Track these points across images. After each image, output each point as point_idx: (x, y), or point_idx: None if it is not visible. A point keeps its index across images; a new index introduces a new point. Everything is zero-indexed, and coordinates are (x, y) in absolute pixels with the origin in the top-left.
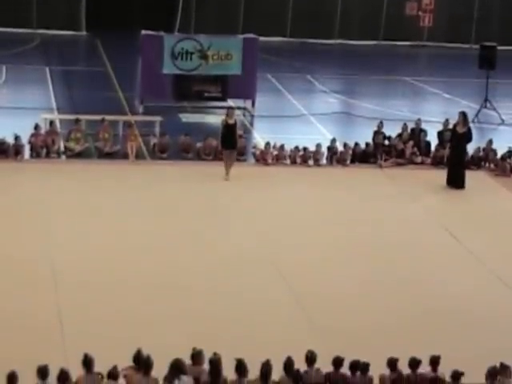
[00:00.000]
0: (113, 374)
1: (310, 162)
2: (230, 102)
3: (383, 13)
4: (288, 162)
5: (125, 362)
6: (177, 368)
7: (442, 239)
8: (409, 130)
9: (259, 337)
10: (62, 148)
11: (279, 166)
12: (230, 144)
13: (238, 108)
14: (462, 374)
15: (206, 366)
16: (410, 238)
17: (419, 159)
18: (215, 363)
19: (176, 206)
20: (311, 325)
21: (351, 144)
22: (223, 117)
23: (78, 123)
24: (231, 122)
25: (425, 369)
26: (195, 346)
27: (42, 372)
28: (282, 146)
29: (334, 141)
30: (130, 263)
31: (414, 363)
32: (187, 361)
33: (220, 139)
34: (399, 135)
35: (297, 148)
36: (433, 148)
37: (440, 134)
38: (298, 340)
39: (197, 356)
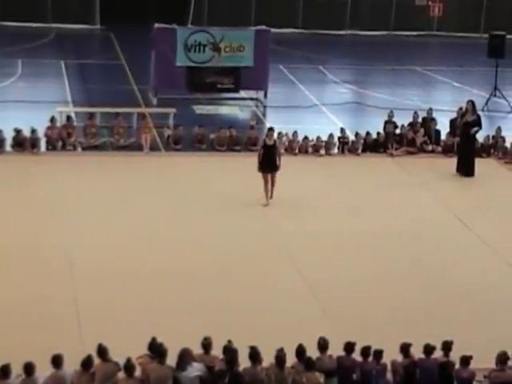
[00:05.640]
0: (128, 368)
1: (322, 151)
2: (243, 93)
3: (393, 3)
4: (296, 151)
5: (140, 349)
6: (187, 356)
7: (452, 226)
8: (420, 119)
9: (272, 324)
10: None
11: (291, 155)
12: (267, 166)
13: (251, 99)
14: (470, 357)
15: (217, 354)
16: (420, 225)
17: (430, 148)
18: (231, 351)
19: (190, 196)
20: (324, 312)
21: (362, 133)
22: (263, 137)
23: (92, 118)
24: (270, 142)
25: (437, 354)
26: (206, 336)
27: (57, 361)
28: (290, 141)
29: (343, 130)
30: (145, 252)
31: (429, 349)
32: (200, 350)
33: (258, 161)
34: (410, 124)
35: (306, 138)
36: (443, 136)
37: (452, 122)
38: (311, 327)
39: (208, 345)
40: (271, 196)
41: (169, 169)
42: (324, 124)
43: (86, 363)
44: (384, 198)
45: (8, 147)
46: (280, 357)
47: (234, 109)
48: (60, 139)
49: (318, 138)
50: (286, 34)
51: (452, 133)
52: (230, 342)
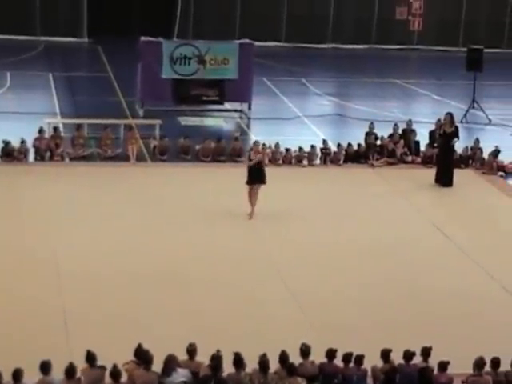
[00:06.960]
0: (114, 374)
1: (304, 162)
2: (227, 105)
3: (374, 17)
4: (280, 161)
5: (126, 356)
6: (172, 362)
7: (432, 235)
8: (400, 131)
9: (256, 331)
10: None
11: (274, 166)
12: (253, 179)
13: (235, 111)
14: (447, 363)
15: (202, 360)
16: (400, 234)
17: (409, 158)
18: (216, 358)
19: (176, 206)
20: (307, 320)
21: (344, 145)
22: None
23: (80, 129)
24: (252, 157)
25: (416, 360)
26: (191, 342)
27: (45, 367)
28: (273, 153)
29: (325, 142)
30: (131, 260)
31: (408, 355)
32: (185, 356)
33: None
34: (390, 136)
35: (288, 150)
36: (422, 147)
37: (432, 134)
38: (294, 334)
39: (193, 351)
40: (252, 212)
41: (155, 179)
42: (307, 135)
43: (69, 371)
44: (365, 207)
45: None
46: (263, 362)
47: (219, 120)
48: (48, 150)
49: (301, 149)
50: (270, 48)
51: (431, 144)
52: (218, 351)
